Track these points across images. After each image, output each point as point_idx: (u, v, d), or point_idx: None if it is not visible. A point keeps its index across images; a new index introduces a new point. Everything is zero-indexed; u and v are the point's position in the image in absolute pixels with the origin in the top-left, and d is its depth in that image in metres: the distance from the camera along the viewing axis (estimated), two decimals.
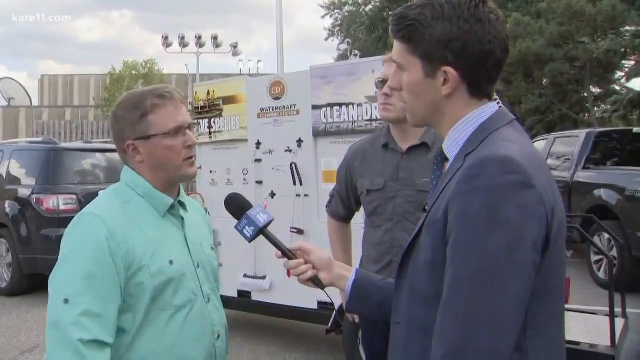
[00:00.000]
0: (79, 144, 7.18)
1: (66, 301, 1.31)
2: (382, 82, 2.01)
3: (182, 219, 1.54)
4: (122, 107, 1.52)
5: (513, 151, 0.98)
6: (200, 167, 5.02)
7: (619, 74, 18.56)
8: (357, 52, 23.33)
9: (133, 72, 21.75)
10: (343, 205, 2.32)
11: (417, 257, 1.09)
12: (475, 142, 1.05)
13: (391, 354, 1.18)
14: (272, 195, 4.33)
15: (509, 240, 0.94)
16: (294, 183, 4.20)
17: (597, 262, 6.62)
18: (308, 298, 4.19)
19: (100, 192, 1.56)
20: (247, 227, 1.42)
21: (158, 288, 1.40)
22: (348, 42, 24.44)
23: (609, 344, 3.39)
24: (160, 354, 1.39)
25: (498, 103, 1.10)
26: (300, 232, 4.21)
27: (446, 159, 1.14)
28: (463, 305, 0.95)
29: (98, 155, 6.48)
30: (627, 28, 16.22)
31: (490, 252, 0.94)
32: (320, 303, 4.18)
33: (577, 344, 3.37)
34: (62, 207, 5.84)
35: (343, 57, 31.95)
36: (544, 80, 19.23)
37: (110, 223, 1.39)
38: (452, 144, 1.11)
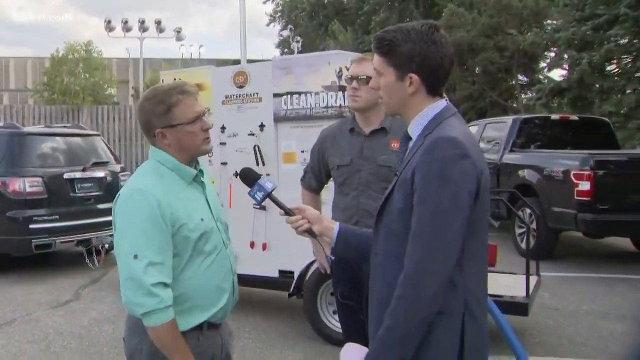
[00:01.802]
0: (41, 128, 7.29)
1: (135, 257, 1.72)
2: (351, 79, 2.49)
3: (203, 184, 1.98)
4: (150, 101, 1.88)
5: (457, 133, 1.49)
6: None
7: (543, 64, 19.90)
8: (299, 38, 23.81)
9: (75, 55, 21.14)
10: (315, 179, 2.80)
11: (391, 207, 1.58)
12: (431, 127, 1.55)
13: (372, 277, 1.66)
14: (236, 174, 4.72)
15: (454, 192, 1.44)
16: (257, 164, 4.62)
17: (521, 234, 7.45)
18: (269, 268, 4.66)
19: (139, 170, 1.96)
20: (257, 192, 1.87)
21: (198, 238, 1.83)
22: (290, 29, 24.73)
23: (524, 295, 4.10)
24: (197, 286, 1.84)
25: (446, 100, 1.62)
26: (262, 207, 4.64)
27: (409, 138, 1.64)
28: (425, 236, 1.46)
29: (58, 138, 6.65)
30: (550, 22, 17.45)
31: (442, 201, 1.44)
32: (280, 272, 4.64)
33: (501, 296, 4.04)
34: (28, 190, 6.02)
35: (284, 42, 32.21)
36: (477, 69, 20.29)
37: (156, 194, 1.79)
38: (415, 128, 1.61)
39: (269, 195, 1.88)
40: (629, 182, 6.41)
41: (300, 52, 28.25)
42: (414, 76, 1.56)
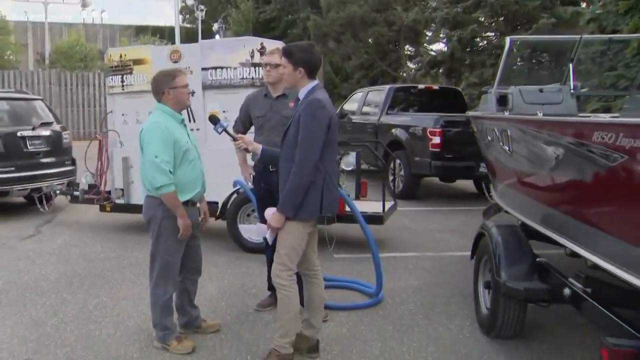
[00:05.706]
0: None
1: (156, 156, 3.25)
2: (266, 65, 4.08)
3: (185, 125, 3.53)
4: (161, 74, 3.44)
5: (321, 97, 3.14)
6: (111, 111, 6.64)
7: (426, 37, 22.25)
8: (202, 7, 24.61)
9: None
10: (243, 126, 4.38)
11: (289, 133, 3.23)
12: (309, 94, 3.18)
13: (280, 169, 3.30)
14: None
15: (318, 126, 3.10)
16: (189, 120, 6.07)
17: (392, 180, 9.47)
18: None
19: (151, 116, 3.46)
20: (219, 128, 3.47)
21: (184, 152, 3.39)
22: None
23: (381, 211, 6.00)
24: (184, 178, 3.39)
25: (317, 80, 3.26)
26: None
27: (299, 99, 3.28)
28: (303, 145, 3.10)
29: (5, 102, 7.62)
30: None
31: (312, 129, 3.09)
32: (208, 202, 6.16)
33: (366, 212, 5.86)
34: None
35: (186, 9, 32.51)
36: (369, 40, 22.26)
37: (166, 125, 3.32)
38: (302, 94, 3.23)
39: (225, 129, 3.49)
40: (468, 137, 8.46)
41: (203, 20, 28.90)
42: (301, 69, 3.20)
